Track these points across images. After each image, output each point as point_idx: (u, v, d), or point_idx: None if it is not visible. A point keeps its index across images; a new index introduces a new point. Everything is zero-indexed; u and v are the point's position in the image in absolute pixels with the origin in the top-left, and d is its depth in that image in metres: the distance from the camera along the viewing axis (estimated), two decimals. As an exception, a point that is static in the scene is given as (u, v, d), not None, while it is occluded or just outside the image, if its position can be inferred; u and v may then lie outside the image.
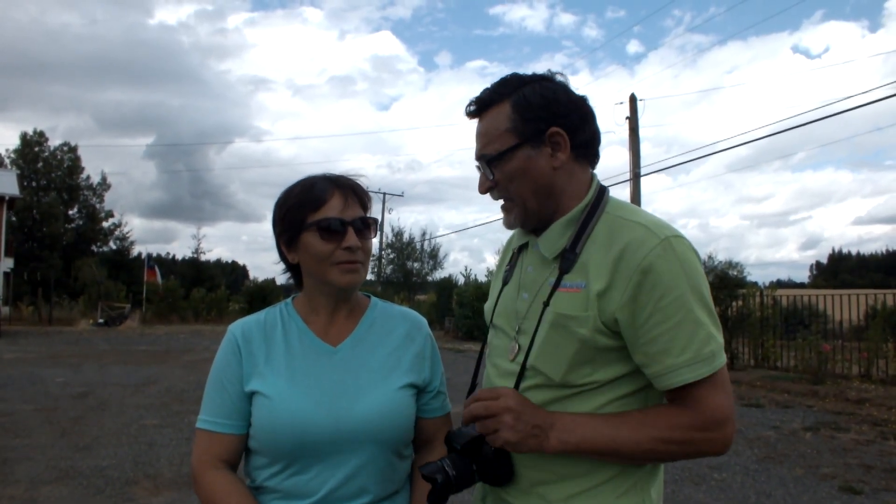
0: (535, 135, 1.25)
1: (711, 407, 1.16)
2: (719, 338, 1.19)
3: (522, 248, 1.41)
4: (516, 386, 1.26)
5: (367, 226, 1.39)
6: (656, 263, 1.15)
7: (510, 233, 1.50)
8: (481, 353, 1.50)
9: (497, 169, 1.28)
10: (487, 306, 1.49)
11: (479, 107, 1.32)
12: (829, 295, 13.41)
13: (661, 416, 1.18)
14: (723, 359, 1.18)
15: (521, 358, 1.27)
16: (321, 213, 1.34)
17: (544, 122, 1.25)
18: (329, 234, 1.33)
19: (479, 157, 1.32)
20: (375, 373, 1.39)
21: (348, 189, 1.38)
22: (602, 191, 1.32)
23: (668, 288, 1.14)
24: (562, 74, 1.33)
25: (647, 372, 1.20)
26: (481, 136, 1.31)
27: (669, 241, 1.17)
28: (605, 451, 1.17)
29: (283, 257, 1.44)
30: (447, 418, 1.51)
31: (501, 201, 1.34)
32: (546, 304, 1.24)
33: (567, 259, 1.25)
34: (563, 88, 1.30)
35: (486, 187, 1.33)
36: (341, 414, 1.33)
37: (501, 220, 1.37)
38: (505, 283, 1.44)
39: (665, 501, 1.35)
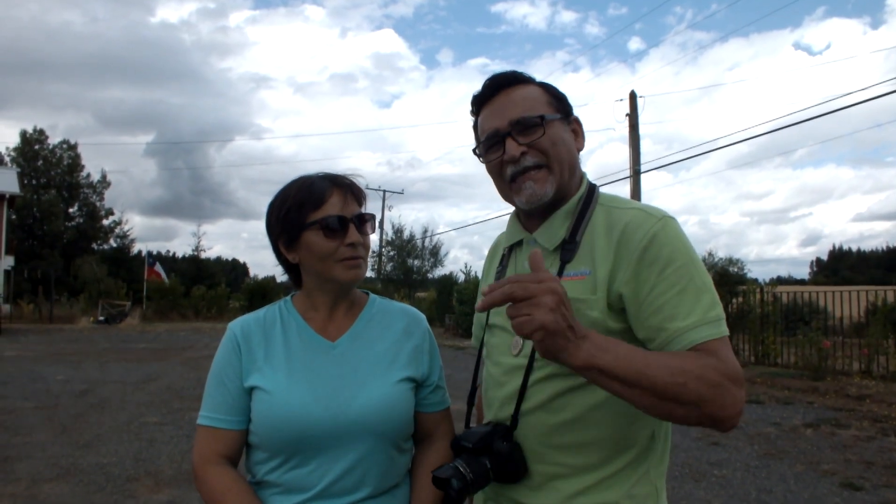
0: (566, 116, 1.34)
1: (733, 362, 1.11)
2: (721, 307, 1.17)
3: (514, 247, 1.41)
4: (525, 378, 1.26)
5: (366, 222, 1.40)
6: (656, 239, 1.18)
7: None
8: (479, 355, 1.50)
9: (548, 127, 1.27)
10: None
11: (509, 80, 1.33)
12: (829, 291, 13.42)
13: (693, 356, 1.10)
14: (726, 328, 1.16)
15: (528, 350, 1.27)
16: (322, 211, 1.35)
17: (569, 108, 1.35)
18: (332, 232, 1.35)
19: (521, 120, 1.27)
20: (374, 367, 1.40)
21: (346, 187, 1.40)
22: (592, 186, 1.36)
23: (670, 259, 1.17)
24: None
25: (652, 346, 1.17)
26: (520, 103, 1.29)
27: (666, 221, 1.21)
28: (632, 380, 1.05)
29: (281, 258, 1.45)
30: (447, 413, 1.51)
31: (521, 176, 1.28)
32: None
33: (567, 249, 1.27)
34: None
35: (521, 151, 1.27)
36: (340, 407, 1.33)
37: (527, 195, 1.28)
38: None
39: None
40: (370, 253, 1.46)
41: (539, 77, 1.38)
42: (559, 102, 1.33)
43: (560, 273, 1.25)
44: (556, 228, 1.30)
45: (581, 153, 1.37)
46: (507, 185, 1.31)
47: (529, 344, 1.27)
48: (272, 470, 1.35)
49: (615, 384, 1.06)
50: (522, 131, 1.27)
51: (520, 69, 1.36)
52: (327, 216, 1.35)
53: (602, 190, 1.37)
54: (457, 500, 1.19)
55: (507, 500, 1.30)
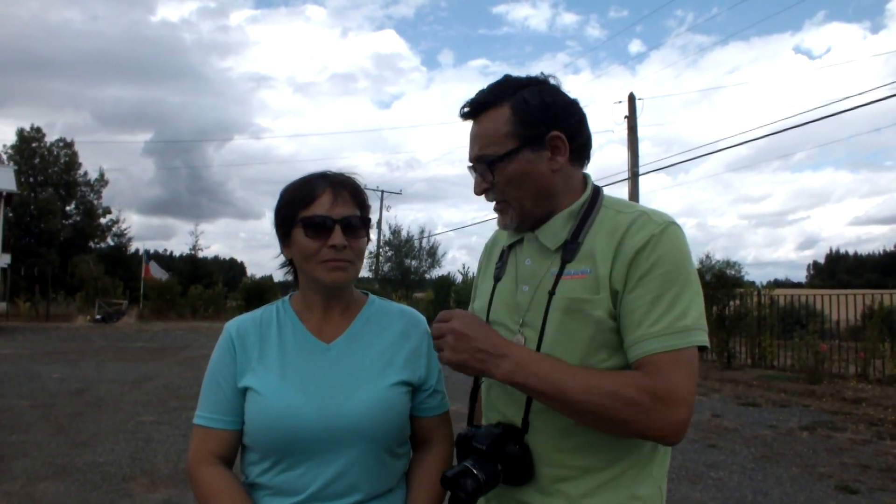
0: (536, 138, 1.27)
1: (670, 380, 1.12)
2: (701, 321, 1.18)
3: (514, 245, 1.41)
4: None
5: (358, 224, 1.37)
6: (650, 243, 1.19)
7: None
8: None
9: (497, 172, 1.28)
10: (479, 305, 1.46)
11: (476, 108, 1.31)
12: (826, 295, 13.43)
13: (617, 373, 1.17)
14: (699, 339, 1.16)
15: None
16: (310, 209, 1.33)
17: (545, 125, 1.27)
18: (314, 232, 1.32)
19: (478, 158, 1.31)
20: (368, 370, 1.38)
21: (341, 187, 1.37)
22: (597, 188, 1.35)
23: (656, 265, 1.18)
24: (554, 77, 1.34)
25: (624, 346, 1.19)
26: (479, 138, 1.30)
27: (667, 227, 1.22)
28: (550, 395, 1.14)
29: (284, 253, 1.44)
30: (445, 417, 1.49)
31: (494, 203, 1.35)
32: (552, 293, 1.25)
33: (569, 249, 1.27)
34: (560, 92, 1.32)
35: (483, 189, 1.32)
36: (331, 410, 1.32)
37: (498, 222, 1.37)
38: (497, 279, 1.42)
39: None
40: (367, 254, 1.45)
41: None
42: (527, 126, 1.26)
43: (561, 271, 1.26)
44: (558, 229, 1.30)
45: None
46: None
47: (533, 342, 1.26)
48: (264, 472, 1.34)
49: (540, 398, 1.18)
50: (481, 170, 1.31)
51: (520, 71, 1.36)
52: (313, 215, 1.33)
53: (605, 192, 1.37)
54: (468, 501, 1.17)
55: (514, 503, 1.29)
